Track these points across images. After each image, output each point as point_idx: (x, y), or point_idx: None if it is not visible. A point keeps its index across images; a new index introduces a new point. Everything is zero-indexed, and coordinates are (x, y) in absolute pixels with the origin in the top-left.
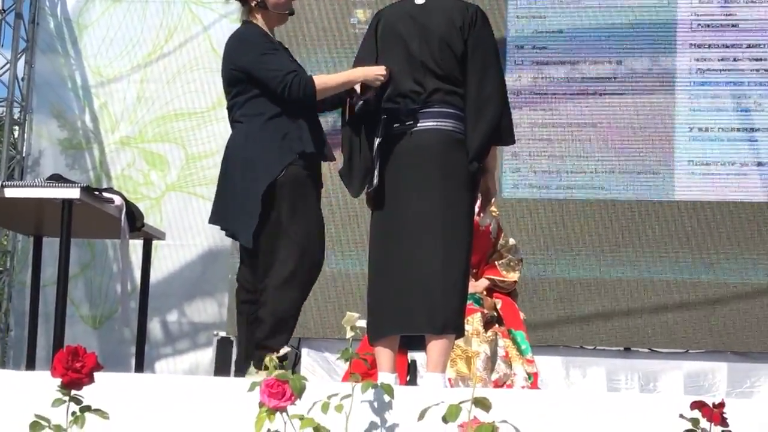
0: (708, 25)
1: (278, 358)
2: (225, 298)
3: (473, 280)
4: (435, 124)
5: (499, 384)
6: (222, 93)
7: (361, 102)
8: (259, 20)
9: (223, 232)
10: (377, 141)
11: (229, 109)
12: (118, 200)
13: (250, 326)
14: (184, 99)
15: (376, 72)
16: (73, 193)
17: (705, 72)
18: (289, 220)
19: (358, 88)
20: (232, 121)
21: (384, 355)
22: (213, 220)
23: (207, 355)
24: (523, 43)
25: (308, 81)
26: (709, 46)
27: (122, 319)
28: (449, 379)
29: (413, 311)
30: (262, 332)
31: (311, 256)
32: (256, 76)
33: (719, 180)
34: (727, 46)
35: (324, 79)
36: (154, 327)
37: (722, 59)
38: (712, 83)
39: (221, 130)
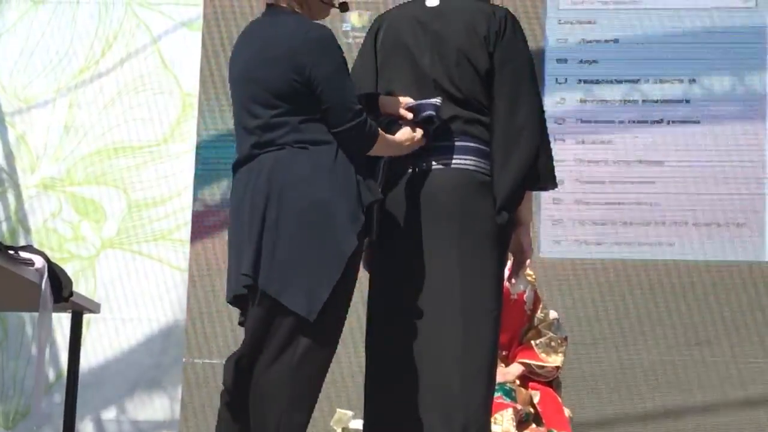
0: None
1: None
2: (178, 389)
3: (502, 365)
4: (452, 162)
5: None
6: (176, 122)
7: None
8: (294, 9)
9: (176, 303)
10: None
11: (268, 126)
12: (38, 261)
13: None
14: (127, 129)
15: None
16: None
17: None
18: (341, 301)
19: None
20: (273, 144)
21: None
22: (256, 279)
23: None
24: (567, 55)
25: (376, 129)
26: None
27: (36, 417)
28: None
29: (424, 409)
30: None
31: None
32: (323, 98)
33: None
34: None
35: (387, 137)
36: (86, 427)
37: None
38: None
39: (175, 169)
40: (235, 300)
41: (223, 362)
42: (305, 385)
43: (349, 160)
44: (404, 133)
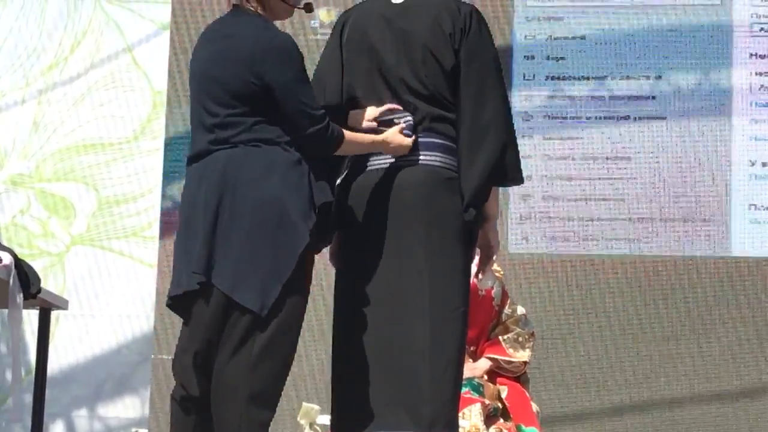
0: None
1: None
2: (147, 386)
3: (470, 360)
4: (419, 159)
5: None
6: (146, 119)
7: None
8: (257, 10)
9: (145, 299)
10: (339, 179)
11: (222, 125)
12: (6, 258)
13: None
14: (96, 126)
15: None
16: None
17: None
18: (297, 295)
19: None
20: (227, 142)
21: None
22: (208, 275)
23: None
24: (535, 52)
25: (339, 132)
26: None
27: (13, 413)
28: None
29: (392, 403)
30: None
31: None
32: (283, 105)
33: None
34: None
35: (354, 137)
36: (55, 425)
37: None
38: None
39: (146, 166)
40: (176, 300)
41: None
42: (265, 381)
43: (303, 160)
44: (392, 136)
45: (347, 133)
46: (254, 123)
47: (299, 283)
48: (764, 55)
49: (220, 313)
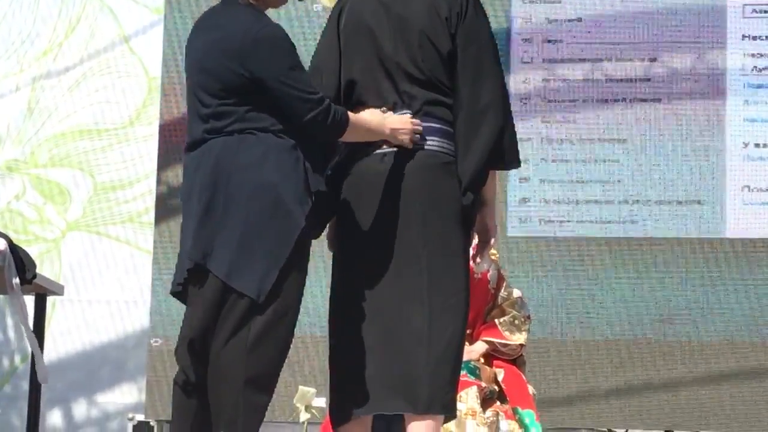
0: (765, 11)
1: None
2: (144, 372)
3: (466, 343)
4: (416, 143)
5: None
6: (141, 105)
7: None
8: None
9: (142, 284)
10: (335, 160)
11: (215, 115)
12: (1, 244)
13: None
14: (91, 112)
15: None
16: None
17: (762, 71)
18: (294, 281)
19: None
20: (221, 131)
21: None
22: (204, 262)
23: None
24: (532, 35)
25: (344, 114)
26: (766, 37)
27: (40, 374)
28: None
29: (389, 386)
30: (228, 420)
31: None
32: (279, 96)
33: None
34: None
35: (359, 119)
36: (51, 412)
37: None
38: None
39: (141, 151)
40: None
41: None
42: (262, 365)
43: (298, 147)
44: (402, 121)
45: (353, 116)
46: (246, 111)
47: (296, 269)
48: (756, 37)
49: (217, 299)
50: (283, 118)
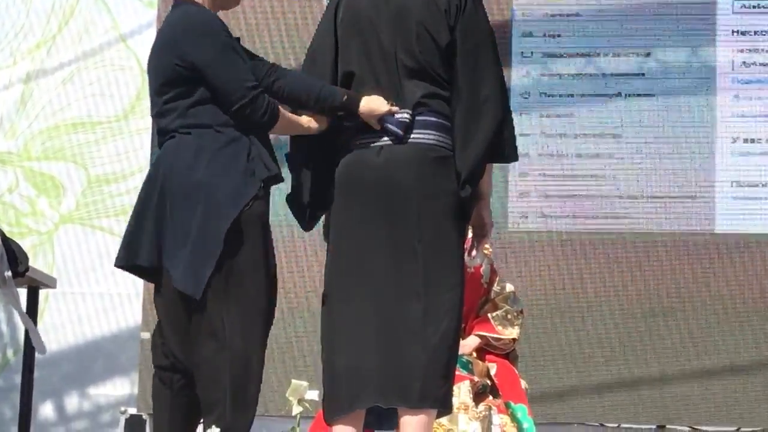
0: (754, 6)
1: None
2: (136, 365)
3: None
4: (413, 136)
5: None
6: (135, 98)
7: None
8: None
9: (134, 277)
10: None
11: (160, 114)
12: None
13: (176, 401)
14: (85, 104)
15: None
16: None
17: (751, 66)
18: (252, 269)
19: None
20: (167, 131)
21: None
22: (142, 260)
23: None
24: (533, 29)
25: (275, 108)
26: (755, 32)
27: (38, 347)
28: None
29: (383, 379)
30: (218, 415)
31: (272, 315)
32: (211, 80)
33: None
34: None
35: (291, 119)
36: (44, 405)
37: None
38: (761, 81)
39: (135, 144)
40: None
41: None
42: (242, 359)
43: (241, 138)
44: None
45: (285, 113)
46: (188, 106)
47: (241, 261)
48: (746, 32)
49: (175, 299)
50: (222, 111)
